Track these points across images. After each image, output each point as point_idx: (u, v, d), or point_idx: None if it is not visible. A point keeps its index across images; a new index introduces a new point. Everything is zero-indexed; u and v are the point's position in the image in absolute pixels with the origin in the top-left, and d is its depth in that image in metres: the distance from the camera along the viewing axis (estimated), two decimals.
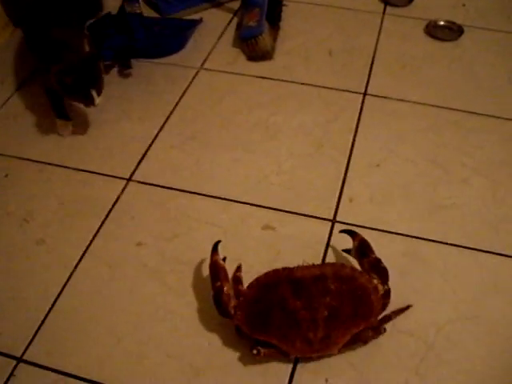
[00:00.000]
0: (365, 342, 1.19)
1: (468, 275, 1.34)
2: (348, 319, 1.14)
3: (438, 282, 1.33)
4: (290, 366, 1.19)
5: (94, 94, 1.55)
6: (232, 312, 1.17)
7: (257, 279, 1.18)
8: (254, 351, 1.15)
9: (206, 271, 1.31)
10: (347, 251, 1.34)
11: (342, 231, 1.35)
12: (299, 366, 1.19)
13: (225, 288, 1.18)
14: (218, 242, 1.28)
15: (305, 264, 1.18)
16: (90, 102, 1.56)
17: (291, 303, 1.13)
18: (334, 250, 1.38)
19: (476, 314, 1.27)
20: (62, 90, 1.56)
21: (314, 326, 1.12)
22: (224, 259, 1.26)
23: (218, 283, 1.19)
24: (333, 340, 1.14)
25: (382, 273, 1.21)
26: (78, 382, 1.17)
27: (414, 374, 1.18)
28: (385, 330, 1.20)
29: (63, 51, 1.60)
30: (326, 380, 1.17)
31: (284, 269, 1.17)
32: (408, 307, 1.25)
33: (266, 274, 1.18)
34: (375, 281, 1.18)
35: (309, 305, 1.12)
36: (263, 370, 1.18)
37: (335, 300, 1.13)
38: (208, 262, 1.25)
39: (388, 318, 1.21)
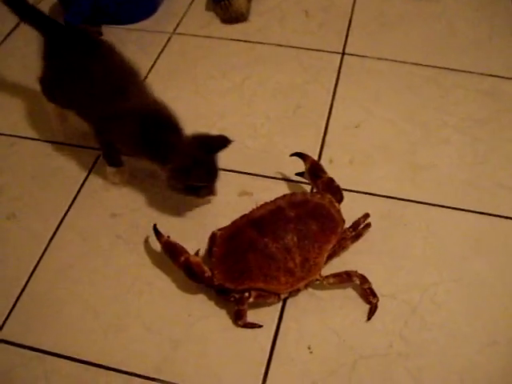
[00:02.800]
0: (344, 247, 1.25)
1: (450, 236, 1.32)
2: (317, 237, 1.18)
3: (421, 244, 1.31)
4: (272, 334, 1.17)
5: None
6: (210, 275, 1.17)
7: (220, 236, 1.21)
8: (232, 298, 1.16)
9: (181, 241, 1.26)
10: (300, 174, 1.38)
11: (292, 155, 1.38)
12: (281, 335, 1.16)
13: (190, 258, 1.18)
14: (155, 225, 1.25)
15: (258, 206, 1.24)
16: (210, 194, 1.30)
17: (260, 242, 1.16)
18: None
19: (459, 275, 1.26)
20: (179, 187, 1.27)
21: (289, 255, 1.15)
22: (168, 237, 1.25)
23: (182, 258, 1.19)
24: (312, 262, 1.17)
25: (336, 191, 1.28)
26: (55, 358, 1.14)
27: (398, 337, 1.16)
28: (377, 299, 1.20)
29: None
30: (309, 347, 1.15)
31: (241, 217, 1.23)
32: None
33: (226, 228, 1.22)
34: (329, 196, 1.25)
35: (277, 237, 1.16)
36: (244, 339, 1.16)
37: (299, 224, 1.18)
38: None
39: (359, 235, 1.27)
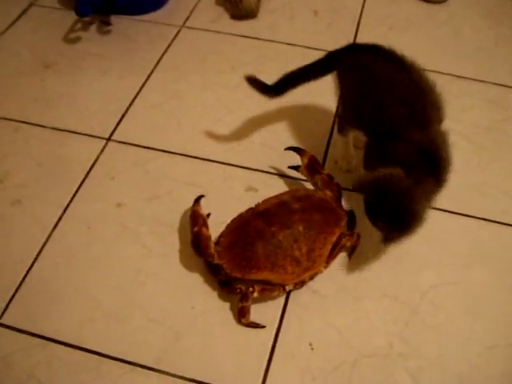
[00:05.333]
0: (343, 247, 1.26)
1: (453, 240, 1.33)
2: (322, 228, 1.20)
3: (423, 247, 1.31)
4: (274, 330, 1.17)
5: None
6: (212, 252, 1.17)
7: (227, 227, 1.23)
8: (238, 290, 1.17)
9: (186, 232, 1.27)
10: (294, 168, 1.39)
11: (287, 148, 1.39)
12: (283, 331, 1.17)
13: (203, 230, 1.19)
14: (201, 196, 1.26)
15: (262, 200, 1.26)
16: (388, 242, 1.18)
17: (267, 231, 1.18)
18: None
19: (460, 278, 1.26)
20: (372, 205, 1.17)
21: (296, 243, 1.17)
22: (208, 215, 1.25)
23: (196, 228, 1.19)
24: (317, 253, 1.19)
25: (335, 189, 1.29)
26: (57, 345, 1.15)
27: (398, 338, 1.17)
28: (358, 236, 1.27)
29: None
30: (310, 344, 1.16)
31: (247, 210, 1.25)
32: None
33: (233, 220, 1.24)
34: (329, 193, 1.28)
35: (284, 226, 1.18)
36: (247, 334, 1.17)
37: (304, 215, 1.20)
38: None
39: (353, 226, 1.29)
